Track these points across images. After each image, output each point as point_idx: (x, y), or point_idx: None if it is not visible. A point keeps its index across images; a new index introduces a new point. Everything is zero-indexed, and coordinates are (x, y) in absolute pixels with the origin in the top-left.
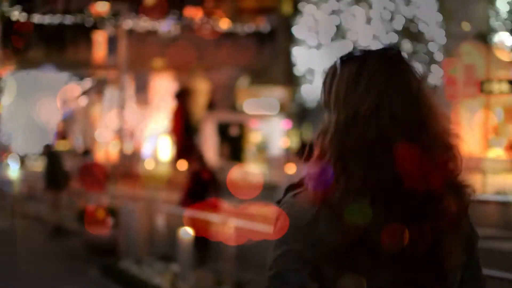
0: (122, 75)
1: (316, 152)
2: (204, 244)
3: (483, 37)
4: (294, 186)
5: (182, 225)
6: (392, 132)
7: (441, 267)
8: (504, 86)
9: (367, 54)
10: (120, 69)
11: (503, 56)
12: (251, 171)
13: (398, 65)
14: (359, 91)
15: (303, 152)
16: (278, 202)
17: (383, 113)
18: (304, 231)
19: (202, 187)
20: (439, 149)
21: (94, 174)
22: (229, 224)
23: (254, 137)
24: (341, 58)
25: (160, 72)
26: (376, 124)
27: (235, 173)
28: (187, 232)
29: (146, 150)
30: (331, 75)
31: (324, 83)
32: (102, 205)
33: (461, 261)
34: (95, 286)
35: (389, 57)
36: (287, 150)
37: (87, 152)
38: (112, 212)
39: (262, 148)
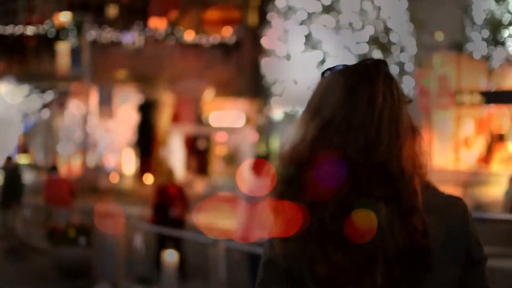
0: (86, 87)
1: (292, 158)
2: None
3: (459, 46)
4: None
5: (162, 245)
6: (342, 147)
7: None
8: (476, 98)
9: (344, 67)
10: (83, 81)
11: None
12: (220, 184)
13: (369, 78)
14: (323, 102)
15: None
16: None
17: (338, 126)
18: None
19: (168, 202)
20: (379, 179)
21: (61, 190)
22: (219, 246)
23: (220, 150)
24: (322, 72)
25: (124, 84)
26: (325, 137)
27: (203, 186)
28: (172, 254)
29: (109, 163)
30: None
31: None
32: (73, 222)
33: (451, 276)
34: None
35: (362, 70)
36: None
37: (54, 168)
38: (84, 230)
39: (230, 161)
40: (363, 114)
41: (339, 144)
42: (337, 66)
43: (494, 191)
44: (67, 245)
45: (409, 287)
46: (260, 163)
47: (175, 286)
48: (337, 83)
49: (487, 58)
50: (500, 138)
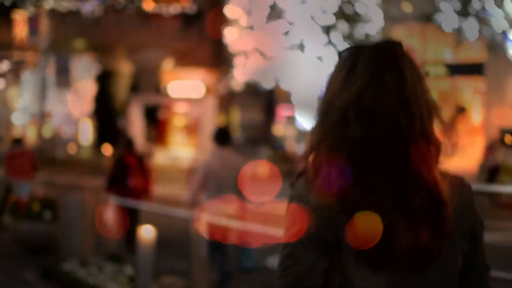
0: (43, 57)
1: (309, 143)
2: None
3: (428, 18)
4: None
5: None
6: (371, 127)
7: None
8: (440, 69)
9: (362, 48)
10: (40, 50)
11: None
12: (180, 155)
13: (390, 60)
14: (342, 84)
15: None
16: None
17: (363, 107)
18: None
19: (126, 171)
20: (424, 145)
21: (23, 162)
22: (201, 220)
23: (180, 121)
24: (340, 52)
25: (82, 54)
26: (354, 118)
27: (163, 157)
28: (149, 230)
29: (66, 134)
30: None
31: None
32: (36, 196)
33: (462, 250)
34: None
35: (382, 51)
36: None
37: (18, 140)
38: (48, 204)
39: (190, 131)
40: (392, 98)
41: (363, 132)
42: (350, 48)
43: (459, 163)
44: (31, 220)
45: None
46: (221, 134)
47: (151, 264)
48: (363, 67)
49: (458, 30)
50: (462, 110)
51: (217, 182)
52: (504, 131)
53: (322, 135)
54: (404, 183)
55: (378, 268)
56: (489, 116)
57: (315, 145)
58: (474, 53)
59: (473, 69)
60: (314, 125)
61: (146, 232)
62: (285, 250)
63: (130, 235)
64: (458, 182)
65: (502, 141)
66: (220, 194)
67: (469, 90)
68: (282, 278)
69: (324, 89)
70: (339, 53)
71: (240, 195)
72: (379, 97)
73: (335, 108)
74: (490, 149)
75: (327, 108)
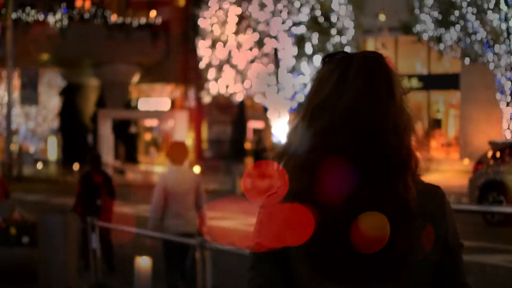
0: (8, 71)
1: (287, 147)
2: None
3: (407, 28)
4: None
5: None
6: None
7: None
8: (414, 82)
9: (345, 57)
10: (6, 64)
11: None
12: (154, 171)
13: (382, 70)
14: (334, 89)
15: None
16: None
17: (355, 116)
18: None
19: (93, 190)
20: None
21: None
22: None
23: (150, 136)
24: (324, 57)
25: (48, 68)
26: (344, 126)
27: (134, 174)
28: (145, 260)
29: (32, 150)
30: (317, 71)
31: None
32: (13, 219)
33: (433, 261)
34: None
35: (373, 61)
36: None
37: None
38: (26, 227)
39: (160, 147)
40: (380, 106)
41: (348, 139)
42: (337, 54)
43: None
44: (8, 245)
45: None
46: (176, 150)
47: None
48: (356, 74)
49: (437, 39)
50: (436, 123)
51: (174, 200)
52: (494, 145)
53: (308, 140)
54: (376, 192)
55: (337, 278)
56: (464, 129)
57: (295, 150)
58: (448, 66)
59: (448, 82)
60: (295, 129)
61: (143, 263)
62: (249, 263)
63: (107, 255)
64: (431, 190)
65: (492, 155)
66: (179, 212)
67: (443, 103)
68: None
69: (308, 93)
70: (325, 58)
71: (200, 212)
72: (371, 107)
73: (326, 113)
74: (479, 165)
75: (316, 113)
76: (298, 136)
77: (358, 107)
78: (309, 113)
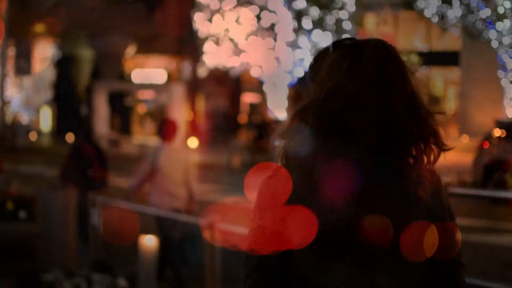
0: (2, 41)
1: (293, 123)
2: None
3: (408, 4)
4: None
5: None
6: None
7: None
8: (413, 58)
9: (356, 43)
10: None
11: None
12: (147, 143)
13: (381, 57)
14: (346, 74)
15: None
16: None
17: (367, 102)
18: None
19: (83, 161)
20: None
21: None
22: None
23: (144, 108)
24: (333, 43)
25: (43, 39)
26: (358, 111)
27: (129, 146)
28: (151, 239)
29: (25, 121)
30: (322, 57)
31: (315, 62)
32: (10, 192)
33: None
34: None
35: (376, 48)
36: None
37: None
38: (24, 202)
39: (156, 119)
40: (394, 93)
41: (364, 125)
42: (346, 40)
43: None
44: (5, 220)
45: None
46: (167, 127)
47: (153, 276)
48: (368, 61)
49: (440, 16)
50: (435, 100)
51: (164, 177)
52: (500, 123)
53: (318, 122)
54: (387, 181)
55: (335, 257)
56: (464, 107)
57: (307, 129)
58: (448, 43)
59: (447, 59)
60: (301, 110)
61: (148, 242)
62: (249, 264)
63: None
64: (434, 179)
65: (498, 134)
66: (168, 188)
67: (442, 80)
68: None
69: (317, 78)
70: (334, 44)
71: (189, 189)
72: (384, 94)
73: (339, 99)
74: (485, 143)
75: (329, 98)
76: (307, 120)
77: (371, 94)
78: (321, 97)
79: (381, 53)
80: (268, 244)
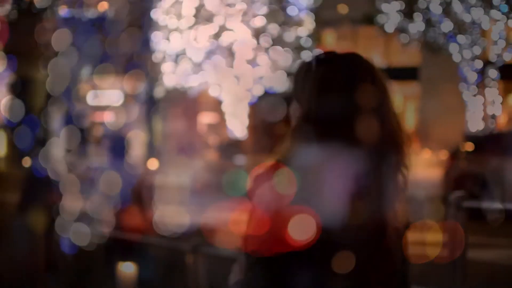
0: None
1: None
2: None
3: (369, 19)
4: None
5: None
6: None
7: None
8: None
9: (338, 58)
10: None
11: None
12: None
13: (373, 71)
14: (331, 89)
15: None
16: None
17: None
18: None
19: (39, 186)
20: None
21: None
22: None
23: (100, 131)
24: (317, 57)
25: None
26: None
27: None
28: (129, 266)
29: None
30: (304, 71)
31: (297, 77)
32: None
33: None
34: None
35: (357, 64)
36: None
37: None
38: None
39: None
40: (389, 104)
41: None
42: (329, 54)
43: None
44: None
45: None
46: (117, 145)
47: None
48: (354, 77)
49: (401, 31)
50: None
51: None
52: (469, 137)
53: (318, 136)
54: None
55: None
56: (424, 121)
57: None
58: (407, 58)
59: (406, 74)
60: (297, 130)
61: (126, 269)
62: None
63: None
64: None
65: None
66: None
67: (401, 95)
68: None
69: (309, 94)
70: (317, 58)
71: (140, 206)
72: (383, 106)
73: (338, 114)
74: (452, 157)
75: (327, 113)
76: (304, 134)
77: (371, 107)
78: (318, 113)
79: (370, 66)
80: (267, 245)
